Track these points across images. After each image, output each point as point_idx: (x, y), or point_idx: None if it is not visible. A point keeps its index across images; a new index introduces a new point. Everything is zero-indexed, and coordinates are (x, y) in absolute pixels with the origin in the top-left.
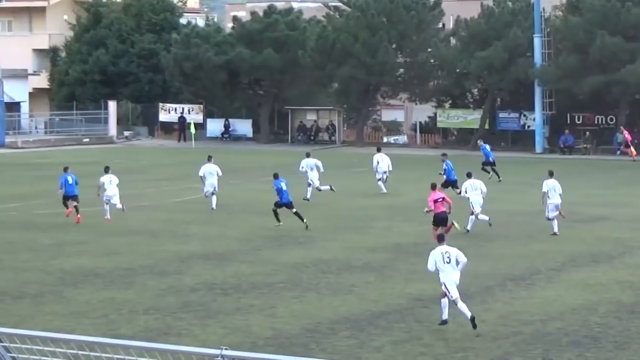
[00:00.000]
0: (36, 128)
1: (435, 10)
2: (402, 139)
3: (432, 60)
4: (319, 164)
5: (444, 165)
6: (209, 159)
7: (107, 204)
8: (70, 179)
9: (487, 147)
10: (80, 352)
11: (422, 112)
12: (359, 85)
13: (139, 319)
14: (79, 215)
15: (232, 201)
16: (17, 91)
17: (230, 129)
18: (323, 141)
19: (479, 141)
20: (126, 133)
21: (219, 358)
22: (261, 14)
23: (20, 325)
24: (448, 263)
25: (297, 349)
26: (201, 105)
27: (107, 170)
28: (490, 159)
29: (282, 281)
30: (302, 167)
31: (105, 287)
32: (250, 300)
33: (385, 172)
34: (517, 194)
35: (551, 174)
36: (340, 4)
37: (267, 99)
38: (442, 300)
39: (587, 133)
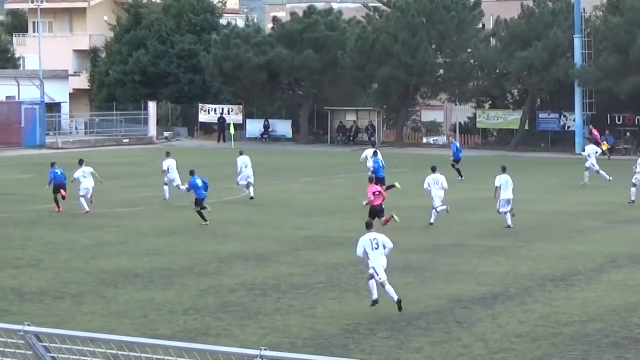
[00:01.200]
0: (76, 128)
1: (475, 11)
2: (442, 139)
3: (472, 61)
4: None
5: (373, 162)
6: (167, 154)
7: (83, 197)
8: (58, 172)
9: (457, 144)
10: (119, 352)
11: (462, 112)
12: (398, 86)
13: (178, 319)
14: (60, 208)
15: (271, 202)
16: (57, 92)
17: (269, 130)
18: (362, 142)
19: (450, 137)
20: (166, 133)
21: (257, 358)
22: (301, 14)
23: (60, 325)
24: (376, 249)
25: (336, 350)
26: (241, 106)
27: (80, 163)
28: (457, 157)
29: (321, 282)
30: (238, 164)
31: (144, 288)
32: (289, 301)
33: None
34: (556, 194)
35: (504, 169)
36: (380, 4)
37: (307, 99)
38: (370, 282)
39: (628, 133)
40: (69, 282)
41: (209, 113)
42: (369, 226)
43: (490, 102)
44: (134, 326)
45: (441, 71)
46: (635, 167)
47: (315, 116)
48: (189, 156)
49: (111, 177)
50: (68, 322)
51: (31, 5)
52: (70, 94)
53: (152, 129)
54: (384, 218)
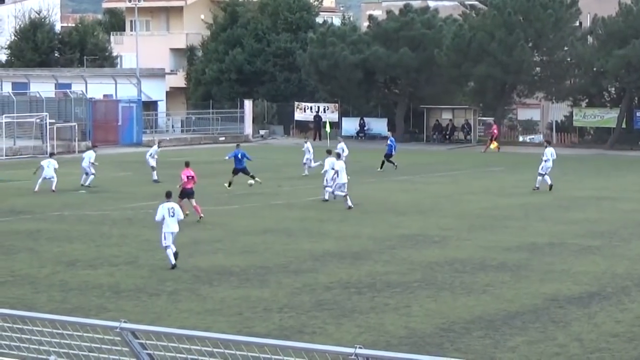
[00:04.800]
0: (173, 127)
1: (572, 9)
2: (538, 138)
3: (568, 59)
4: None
5: (232, 154)
6: (51, 155)
7: (40, 179)
8: None
9: (394, 140)
10: (215, 350)
11: (558, 111)
12: (495, 84)
13: (274, 317)
14: None
15: (366, 200)
16: (154, 90)
17: (365, 128)
18: (458, 140)
19: (388, 133)
20: (262, 132)
21: (353, 356)
22: (397, 12)
23: (156, 322)
24: (172, 216)
25: (431, 348)
26: (336, 104)
27: (51, 155)
28: (391, 152)
29: (416, 280)
30: (150, 153)
31: (240, 285)
32: (384, 299)
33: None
34: None
35: (338, 156)
36: (476, 2)
37: (403, 97)
38: (166, 249)
39: None
40: (165, 280)
41: (304, 111)
42: (168, 196)
43: (587, 100)
44: (229, 324)
45: (538, 69)
46: (543, 157)
47: (411, 114)
48: (285, 154)
49: (207, 175)
50: (164, 319)
51: (129, 4)
52: (167, 92)
53: (248, 127)
54: (195, 206)
